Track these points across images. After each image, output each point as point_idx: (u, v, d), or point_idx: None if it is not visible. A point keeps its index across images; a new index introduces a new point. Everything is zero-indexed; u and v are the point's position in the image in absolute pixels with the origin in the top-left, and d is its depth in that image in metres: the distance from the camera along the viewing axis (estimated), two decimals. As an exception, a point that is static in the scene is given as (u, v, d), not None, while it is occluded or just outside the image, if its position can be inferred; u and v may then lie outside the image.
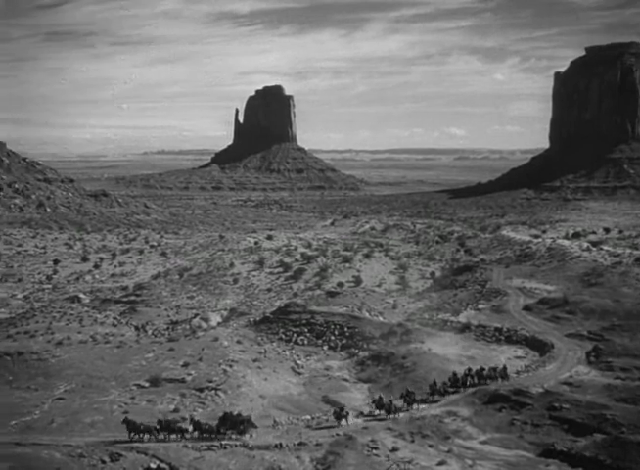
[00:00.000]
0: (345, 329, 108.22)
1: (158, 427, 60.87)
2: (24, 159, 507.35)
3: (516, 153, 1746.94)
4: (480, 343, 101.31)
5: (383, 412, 69.67)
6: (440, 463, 58.55)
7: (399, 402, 71.44)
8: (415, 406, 71.26)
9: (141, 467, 53.51)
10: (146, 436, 60.09)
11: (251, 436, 61.87)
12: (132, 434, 59.75)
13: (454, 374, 78.21)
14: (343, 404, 72.73)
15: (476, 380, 78.03)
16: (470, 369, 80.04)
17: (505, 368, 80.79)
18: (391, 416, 68.73)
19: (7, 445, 55.49)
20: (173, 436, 60.77)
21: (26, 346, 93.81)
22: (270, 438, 61.78)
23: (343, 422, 66.37)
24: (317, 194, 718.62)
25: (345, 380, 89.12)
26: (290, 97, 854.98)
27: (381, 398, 71.95)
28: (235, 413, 64.35)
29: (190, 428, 61.93)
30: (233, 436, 61.84)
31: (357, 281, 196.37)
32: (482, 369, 79.79)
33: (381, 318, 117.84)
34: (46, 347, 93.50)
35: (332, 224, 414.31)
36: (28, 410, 70.20)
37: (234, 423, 62.83)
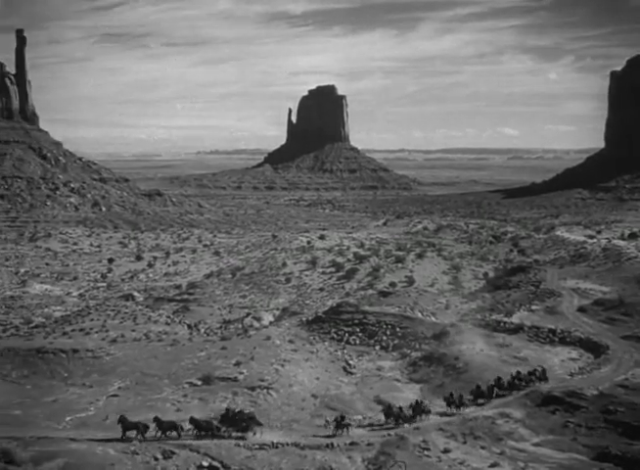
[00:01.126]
0: (398, 329, 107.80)
1: (154, 425, 60.35)
2: (80, 158, 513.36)
3: (570, 153, 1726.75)
4: (534, 344, 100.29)
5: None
6: (493, 465, 58.07)
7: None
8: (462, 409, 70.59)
9: (193, 464, 53.71)
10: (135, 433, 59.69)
11: (254, 434, 60.67)
12: (126, 432, 59.40)
13: (499, 378, 76.82)
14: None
15: (518, 382, 76.75)
16: (519, 372, 78.92)
17: (544, 370, 79.74)
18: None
19: (63, 440, 56.07)
20: (172, 434, 60.15)
21: (82, 343, 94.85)
22: (277, 436, 61.27)
23: (343, 432, 63.51)
24: (370, 194, 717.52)
25: (397, 380, 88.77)
26: (343, 97, 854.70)
27: (417, 401, 71.23)
28: (238, 410, 63.18)
29: (188, 426, 61.02)
30: (233, 434, 60.68)
31: (410, 281, 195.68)
32: (519, 373, 78.56)
33: (433, 318, 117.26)
34: (101, 344, 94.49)
35: (384, 224, 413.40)
36: (83, 407, 70.97)
37: (236, 421, 61.49)
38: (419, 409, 68.26)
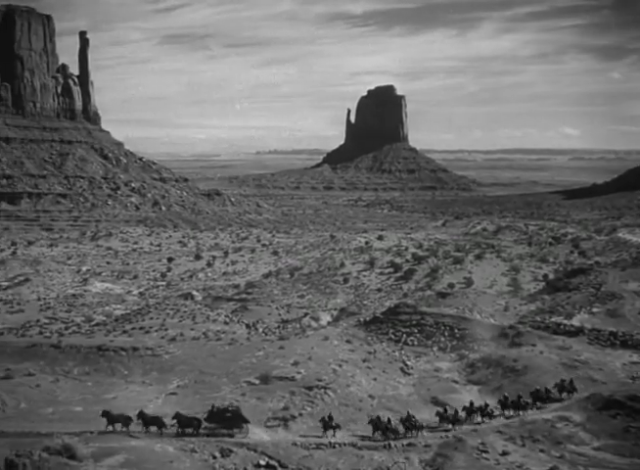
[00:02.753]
0: (456, 330, 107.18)
1: (137, 419, 60.60)
2: (141, 158, 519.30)
3: (632, 153, 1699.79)
4: (594, 347, 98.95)
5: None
6: (552, 469, 57.46)
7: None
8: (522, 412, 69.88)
9: (251, 463, 53.95)
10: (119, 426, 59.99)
11: (240, 431, 59.98)
12: (109, 426, 59.92)
13: (545, 389, 74.86)
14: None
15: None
16: (563, 380, 77.30)
17: (572, 381, 77.33)
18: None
19: (122, 437, 56.74)
20: (153, 429, 60.16)
21: (141, 341, 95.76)
22: (265, 434, 61.07)
23: (330, 433, 61.86)
24: (429, 194, 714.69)
25: (455, 382, 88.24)
26: (402, 97, 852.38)
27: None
28: (223, 407, 62.14)
29: (172, 421, 60.47)
30: (218, 431, 59.94)
31: (468, 282, 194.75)
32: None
33: (492, 320, 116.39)
34: (160, 343, 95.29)
35: (443, 225, 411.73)
36: (143, 404, 71.61)
37: (222, 418, 60.77)
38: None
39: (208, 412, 61.42)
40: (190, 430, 59.61)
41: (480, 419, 67.22)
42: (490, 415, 67.49)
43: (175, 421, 60.10)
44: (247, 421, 60.72)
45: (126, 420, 60.26)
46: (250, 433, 59.97)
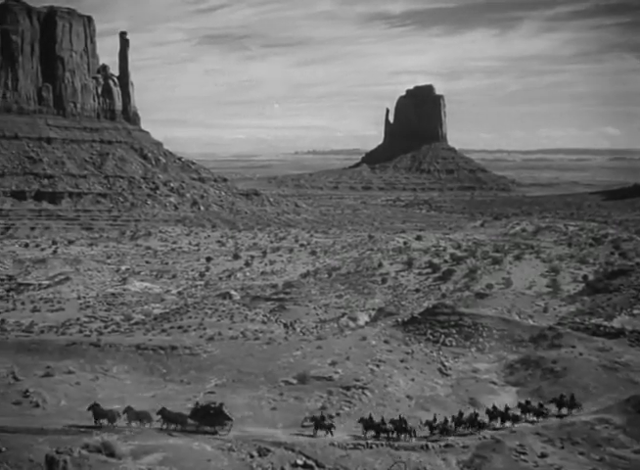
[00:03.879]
0: (494, 331, 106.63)
1: (123, 413, 60.81)
2: (180, 158, 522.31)
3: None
4: (635, 349, 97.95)
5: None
6: (591, 472, 57.04)
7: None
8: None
9: (288, 462, 54.03)
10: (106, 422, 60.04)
11: (222, 428, 59.68)
12: (98, 420, 60.01)
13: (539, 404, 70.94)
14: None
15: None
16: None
17: (573, 397, 73.59)
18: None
19: (161, 435, 57.07)
20: (138, 423, 60.14)
21: (180, 340, 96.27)
22: (252, 430, 61.15)
23: (321, 433, 60.77)
24: (467, 194, 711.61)
25: (493, 383, 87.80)
26: (440, 97, 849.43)
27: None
28: (206, 404, 62.01)
29: (157, 417, 60.54)
30: (202, 428, 59.97)
31: (507, 283, 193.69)
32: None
33: (531, 321, 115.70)
34: (198, 342, 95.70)
35: (482, 225, 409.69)
36: (181, 403, 71.95)
37: (205, 414, 60.56)
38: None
39: (193, 409, 61.54)
40: (175, 425, 60.03)
41: (500, 424, 66.20)
42: (516, 419, 65.82)
43: (161, 417, 60.39)
44: (229, 418, 60.66)
45: (113, 415, 60.75)
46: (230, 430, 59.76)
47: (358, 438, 61.43)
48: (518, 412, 67.06)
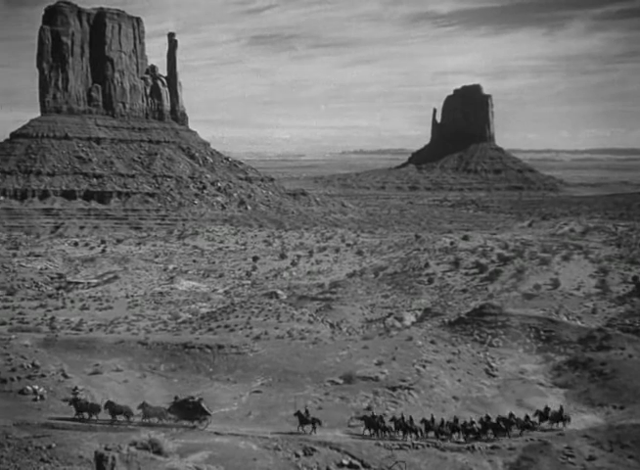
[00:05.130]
0: (542, 332, 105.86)
1: (104, 408, 61.20)
2: (227, 158, 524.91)
3: None
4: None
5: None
6: (641, 475, 56.39)
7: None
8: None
9: (333, 462, 54.05)
10: (88, 415, 60.75)
11: (200, 423, 59.84)
12: (77, 414, 60.84)
13: (510, 414, 69.33)
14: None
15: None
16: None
17: (562, 410, 71.92)
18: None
19: (207, 434, 57.39)
20: (119, 417, 60.86)
21: (226, 339, 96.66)
22: (229, 426, 60.99)
23: (308, 429, 60.26)
24: (515, 195, 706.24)
25: (541, 384, 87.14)
26: (488, 96, 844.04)
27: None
28: (184, 398, 62.06)
29: (138, 411, 61.19)
30: (181, 422, 60.40)
31: (555, 284, 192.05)
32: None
33: (579, 322, 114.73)
34: (245, 341, 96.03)
35: (529, 225, 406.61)
36: (227, 402, 72.36)
37: (183, 409, 60.84)
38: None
39: (172, 403, 61.85)
40: (155, 419, 60.75)
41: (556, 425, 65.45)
42: (530, 427, 64.05)
43: (141, 411, 61.12)
44: (207, 413, 61.02)
45: (94, 409, 61.52)
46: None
47: (358, 435, 61.09)
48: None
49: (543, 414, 65.69)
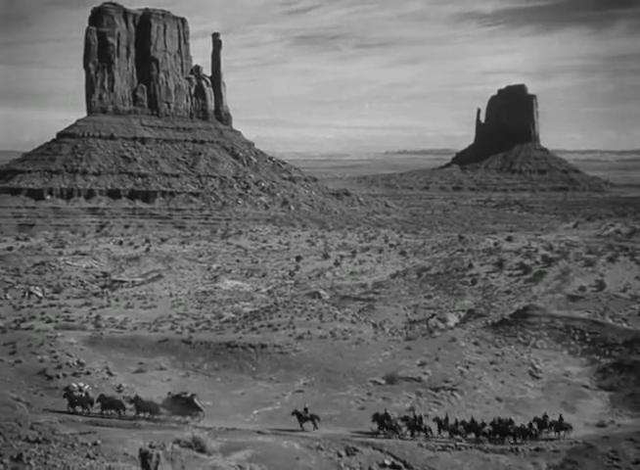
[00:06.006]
0: (587, 334, 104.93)
1: (97, 401, 62.04)
2: (271, 158, 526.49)
3: None
4: None
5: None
6: (688, 480, 55.65)
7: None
8: None
9: (376, 463, 54.03)
10: (80, 408, 61.42)
11: (192, 418, 60.16)
12: (70, 406, 61.64)
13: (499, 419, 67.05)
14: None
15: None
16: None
17: (561, 418, 69.79)
18: None
19: (250, 432, 57.61)
20: (111, 411, 61.62)
21: (269, 339, 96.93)
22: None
23: (308, 426, 60.51)
24: (560, 195, 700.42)
25: (586, 387, 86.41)
26: (533, 96, 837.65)
27: None
28: (177, 394, 62.69)
29: (130, 405, 61.91)
30: (174, 418, 60.74)
31: (600, 285, 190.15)
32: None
33: (625, 325, 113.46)
34: (288, 340, 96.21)
35: (574, 227, 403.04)
36: (270, 401, 72.62)
37: (176, 404, 61.27)
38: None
39: (165, 399, 62.48)
40: (147, 414, 61.22)
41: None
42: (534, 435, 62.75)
43: (134, 405, 61.81)
44: (200, 409, 61.49)
45: (86, 402, 62.28)
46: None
47: (366, 434, 61.09)
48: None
49: (542, 422, 64.16)
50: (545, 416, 64.55)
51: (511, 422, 63.08)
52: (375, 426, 61.67)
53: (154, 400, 62.81)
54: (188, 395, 62.92)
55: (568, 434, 63.51)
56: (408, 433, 61.36)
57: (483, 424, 62.23)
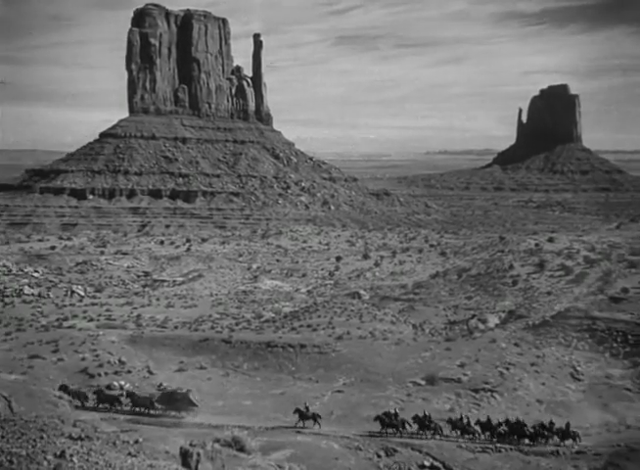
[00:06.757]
0: (629, 336, 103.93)
1: (93, 395, 63.30)
2: (311, 158, 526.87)
3: None
4: None
5: None
6: None
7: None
8: None
9: (415, 464, 53.95)
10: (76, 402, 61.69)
11: (188, 414, 60.62)
12: (100, 403, 63.12)
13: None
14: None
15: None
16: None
17: (568, 426, 68.23)
18: None
19: (289, 432, 57.76)
20: (106, 405, 62.39)
21: (309, 339, 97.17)
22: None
23: (310, 424, 60.34)
24: (602, 196, 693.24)
25: (628, 390, 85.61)
26: (575, 96, 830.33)
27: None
28: (172, 389, 63.53)
29: (125, 400, 62.73)
30: (169, 413, 61.33)
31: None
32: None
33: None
34: (327, 340, 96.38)
35: (617, 227, 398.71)
36: (309, 401, 72.77)
37: (171, 400, 61.73)
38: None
39: (160, 394, 63.42)
40: (142, 408, 62.25)
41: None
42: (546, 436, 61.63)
43: (129, 400, 62.89)
44: (195, 405, 62.19)
45: (83, 396, 63.29)
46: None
47: (373, 433, 60.55)
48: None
49: (547, 429, 62.44)
50: (551, 423, 62.93)
51: (552, 424, 62.35)
52: (378, 426, 61.24)
53: (149, 396, 63.99)
54: (184, 390, 63.86)
55: (574, 442, 61.28)
56: (420, 431, 61.04)
57: (499, 424, 61.73)
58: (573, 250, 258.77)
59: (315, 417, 61.42)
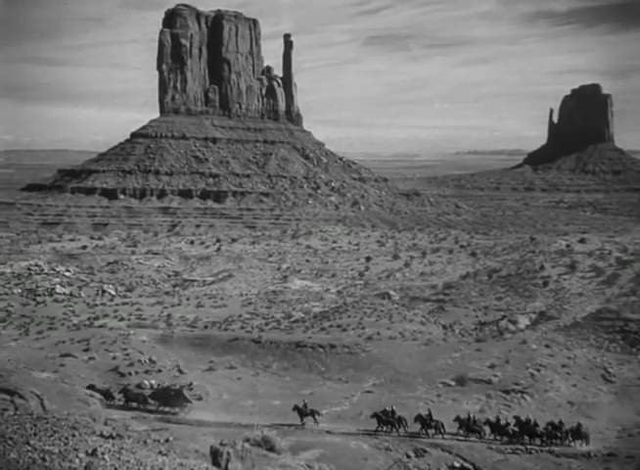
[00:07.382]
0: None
1: (119, 394, 63.80)
2: (341, 158, 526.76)
3: None
4: None
5: None
6: None
7: None
8: None
9: (445, 464, 53.77)
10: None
11: (181, 410, 60.66)
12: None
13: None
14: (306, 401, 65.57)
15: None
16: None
17: (579, 426, 64.62)
18: None
19: (319, 432, 57.74)
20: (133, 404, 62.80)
21: (338, 339, 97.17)
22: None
23: (309, 421, 59.99)
24: (634, 196, 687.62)
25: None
26: (607, 96, 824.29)
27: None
28: (167, 385, 63.82)
29: (118, 395, 63.25)
30: (162, 409, 61.55)
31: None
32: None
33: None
34: (357, 341, 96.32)
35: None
36: (339, 401, 72.73)
37: (165, 395, 61.92)
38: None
39: (154, 389, 64.09)
40: (135, 404, 62.63)
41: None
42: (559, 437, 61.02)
43: (122, 395, 63.43)
44: (189, 401, 62.42)
45: (109, 395, 63.68)
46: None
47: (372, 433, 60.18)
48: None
49: (557, 428, 61.71)
50: (561, 423, 62.11)
51: (561, 424, 61.69)
52: (374, 423, 61.05)
53: (142, 392, 64.74)
54: (177, 387, 64.59)
55: (584, 444, 60.89)
56: (422, 430, 60.56)
57: (508, 423, 61.27)
58: (605, 251, 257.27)
59: (314, 413, 61.34)
